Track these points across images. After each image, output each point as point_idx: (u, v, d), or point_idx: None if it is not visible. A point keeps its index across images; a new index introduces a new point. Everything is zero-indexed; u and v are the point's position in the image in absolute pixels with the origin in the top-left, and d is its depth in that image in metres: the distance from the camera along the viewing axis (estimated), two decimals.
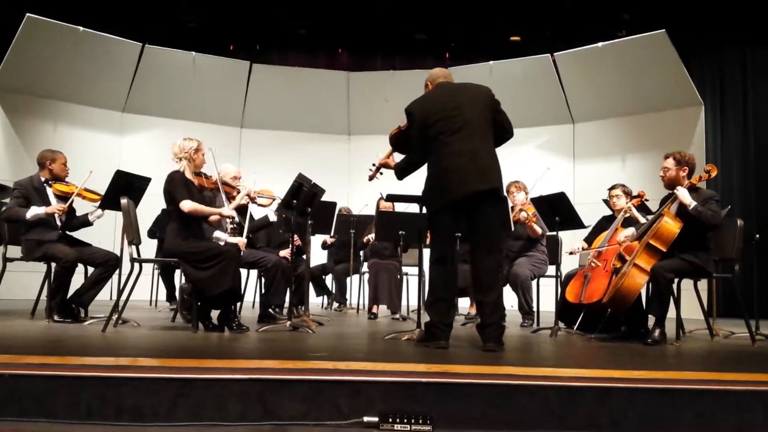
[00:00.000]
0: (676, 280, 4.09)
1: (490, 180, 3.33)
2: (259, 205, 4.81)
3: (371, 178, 4.07)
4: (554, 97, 8.70)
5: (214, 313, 4.11)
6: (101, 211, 4.73)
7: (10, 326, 4.05)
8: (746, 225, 4.60)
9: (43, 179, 4.68)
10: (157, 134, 8.72)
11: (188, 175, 4.13)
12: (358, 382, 2.18)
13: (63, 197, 4.68)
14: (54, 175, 4.70)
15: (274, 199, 4.75)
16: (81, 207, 4.87)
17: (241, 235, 4.49)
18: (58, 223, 4.60)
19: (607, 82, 8.33)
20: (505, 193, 5.45)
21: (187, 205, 3.98)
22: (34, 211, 4.49)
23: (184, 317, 4.63)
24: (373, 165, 4.03)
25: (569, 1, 8.38)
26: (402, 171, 3.67)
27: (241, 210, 4.92)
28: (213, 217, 4.27)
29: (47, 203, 4.60)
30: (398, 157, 3.80)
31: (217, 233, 4.53)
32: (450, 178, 3.33)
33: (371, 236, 6.13)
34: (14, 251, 4.71)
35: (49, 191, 4.66)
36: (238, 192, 4.51)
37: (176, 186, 4.02)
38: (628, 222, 4.60)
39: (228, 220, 4.36)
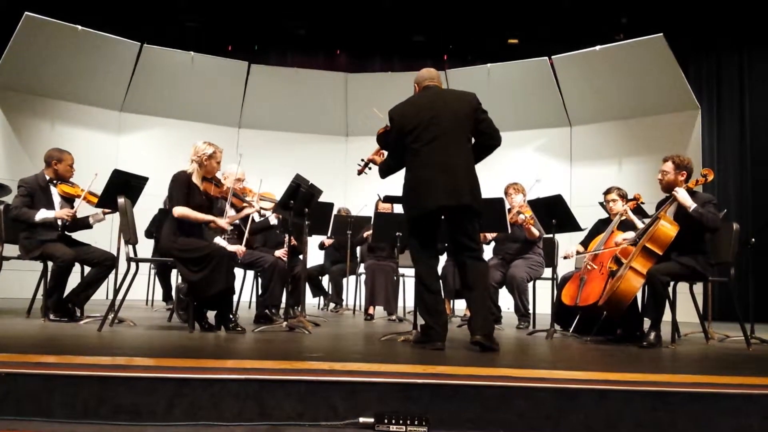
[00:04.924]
0: (672, 283, 4.11)
1: (460, 196, 3.29)
2: (262, 209, 4.80)
3: (360, 172, 4.16)
4: (552, 99, 8.72)
5: (211, 314, 4.11)
6: (102, 215, 4.72)
7: (6, 325, 4.04)
8: (742, 229, 4.61)
9: (48, 178, 4.66)
10: (155, 134, 8.72)
11: (195, 178, 4.11)
12: (354, 383, 2.19)
13: (67, 198, 4.68)
14: (59, 175, 4.67)
15: (276, 203, 4.74)
16: (82, 209, 4.87)
17: (240, 241, 4.48)
18: (59, 222, 4.60)
19: (604, 86, 8.34)
20: (503, 197, 5.49)
21: (177, 210, 3.98)
22: (43, 215, 4.46)
23: (180, 317, 4.63)
24: (362, 160, 4.10)
25: (567, 4, 8.40)
26: (383, 172, 3.73)
27: None
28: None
29: (51, 203, 4.59)
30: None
31: (218, 239, 4.51)
32: (420, 190, 3.36)
33: (370, 233, 6.13)
34: (10, 249, 4.70)
35: (54, 191, 4.65)
36: (247, 206, 4.48)
37: (177, 187, 4.02)
38: (624, 225, 4.61)
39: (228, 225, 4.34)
